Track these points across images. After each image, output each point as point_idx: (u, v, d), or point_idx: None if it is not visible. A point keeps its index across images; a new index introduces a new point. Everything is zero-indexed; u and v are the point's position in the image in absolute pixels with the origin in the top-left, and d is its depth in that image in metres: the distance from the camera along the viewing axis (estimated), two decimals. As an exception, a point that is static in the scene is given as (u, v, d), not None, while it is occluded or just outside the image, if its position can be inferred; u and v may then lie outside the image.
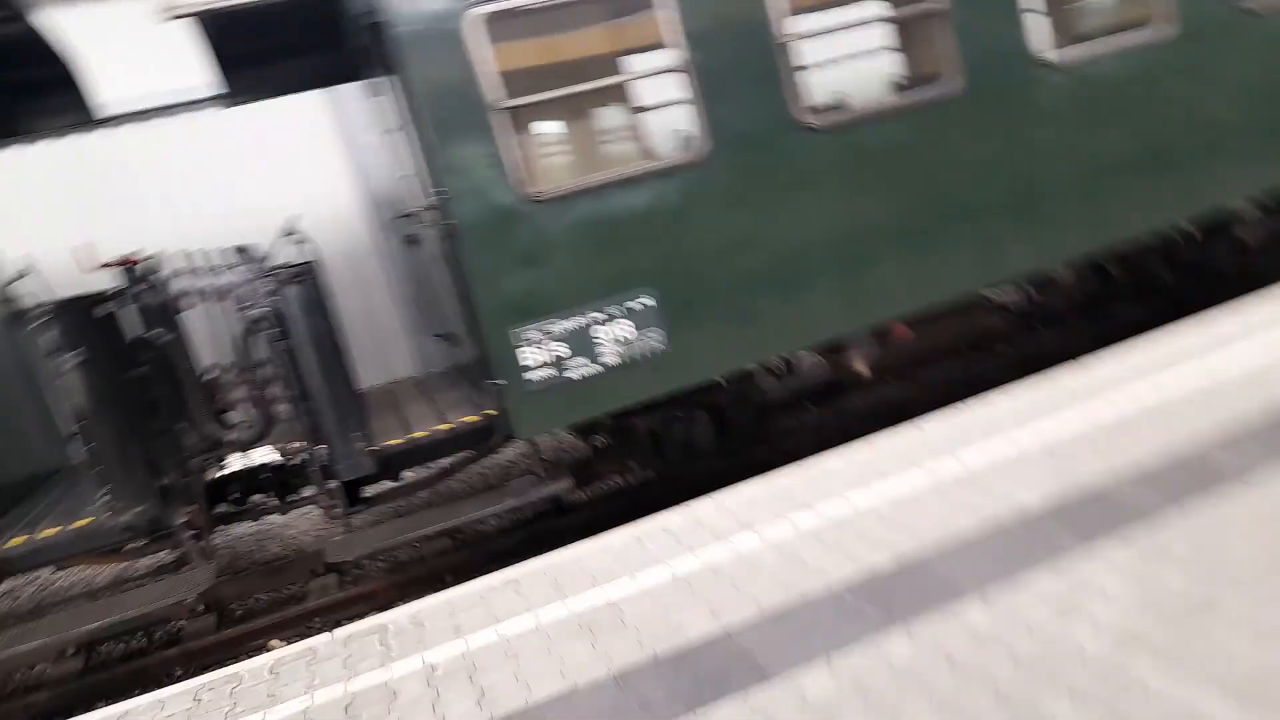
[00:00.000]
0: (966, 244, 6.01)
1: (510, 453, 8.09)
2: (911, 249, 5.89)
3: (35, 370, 5.31)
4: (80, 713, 4.34)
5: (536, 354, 5.26)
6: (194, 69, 8.64)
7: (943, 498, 4.24)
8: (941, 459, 4.67)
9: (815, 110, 5.65)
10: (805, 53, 5.58)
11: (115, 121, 8.68)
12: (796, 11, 5.58)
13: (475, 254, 5.13)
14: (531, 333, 5.24)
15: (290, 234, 5.61)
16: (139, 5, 8.78)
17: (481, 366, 5.50)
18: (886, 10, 7.15)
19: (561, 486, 5.68)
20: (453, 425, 5.63)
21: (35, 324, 4.97)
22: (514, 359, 5.22)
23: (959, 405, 5.47)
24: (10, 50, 5.53)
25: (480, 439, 5.63)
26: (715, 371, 5.73)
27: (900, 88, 7.12)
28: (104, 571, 7.53)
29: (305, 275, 5.40)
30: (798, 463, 5.10)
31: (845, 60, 6.40)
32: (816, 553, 3.98)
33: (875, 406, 7.59)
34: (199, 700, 3.91)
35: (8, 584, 7.23)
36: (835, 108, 6.30)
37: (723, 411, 6.17)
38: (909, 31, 7.14)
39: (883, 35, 7.43)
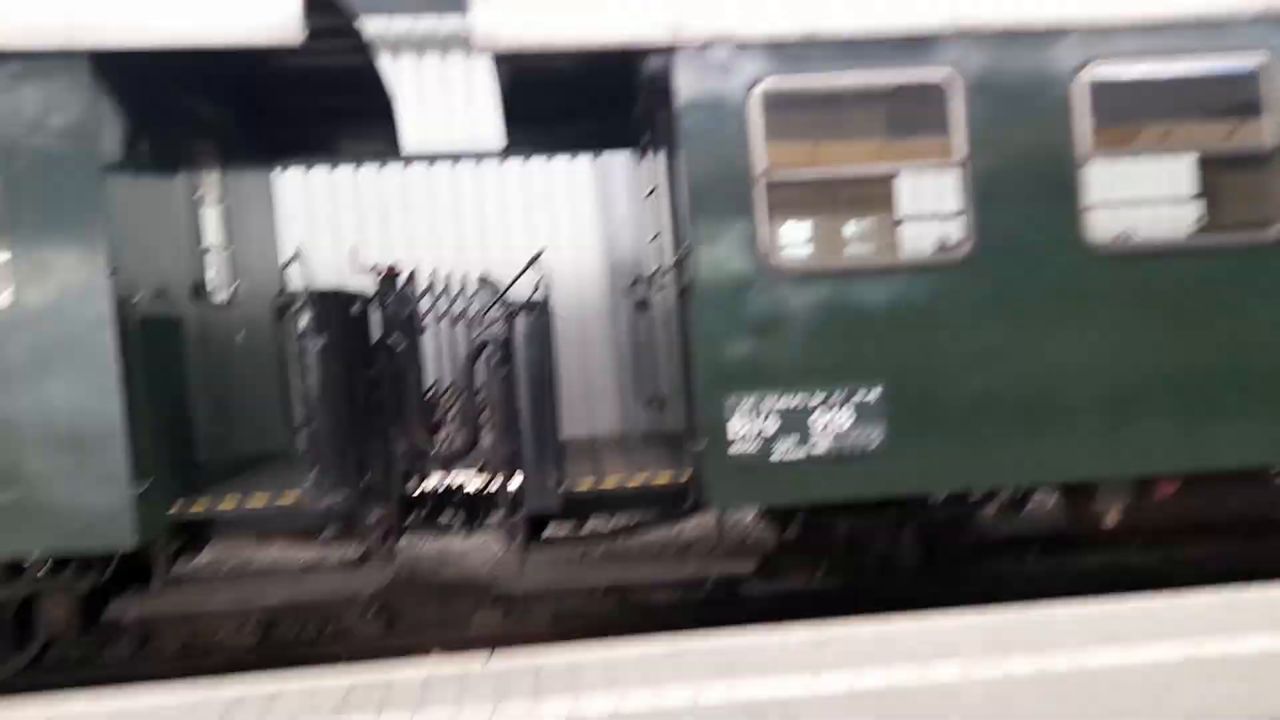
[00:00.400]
0: (1261, 408, 5.16)
1: (697, 524, 7.77)
2: (1194, 402, 5.13)
3: (286, 356, 5.69)
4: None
5: (746, 426, 5.01)
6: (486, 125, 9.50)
7: (1205, 679, 3.49)
8: (1205, 637, 3.89)
9: (1103, 236, 5.16)
10: (1101, 180, 5.13)
11: (412, 159, 9.55)
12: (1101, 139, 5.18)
13: (707, 314, 5.02)
14: (746, 403, 5.00)
15: (535, 265, 5.76)
16: (454, 62, 9.83)
17: (687, 430, 5.31)
18: (1200, 148, 6.55)
19: (742, 569, 5.31)
20: (643, 483, 5.45)
21: (294, 307, 5.37)
22: (722, 427, 4.99)
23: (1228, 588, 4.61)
24: (346, 79, 6.14)
25: (671, 502, 5.41)
26: (935, 486, 5.21)
27: (1209, 228, 6.43)
28: (299, 555, 7.87)
29: (537, 309, 5.52)
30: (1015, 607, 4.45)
31: (1144, 195, 5.85)
32: (1030, 701, 3.37)
33: (1115, 572, 6.56)
34: (347, 699, 3.85)
35: (216, 552, 7.74)
36: (1126, 237, 5.74)
37: (933, 533, 5.58)
38: (1225, 172, 6.47)
39: (1189, 176, 6.81)
